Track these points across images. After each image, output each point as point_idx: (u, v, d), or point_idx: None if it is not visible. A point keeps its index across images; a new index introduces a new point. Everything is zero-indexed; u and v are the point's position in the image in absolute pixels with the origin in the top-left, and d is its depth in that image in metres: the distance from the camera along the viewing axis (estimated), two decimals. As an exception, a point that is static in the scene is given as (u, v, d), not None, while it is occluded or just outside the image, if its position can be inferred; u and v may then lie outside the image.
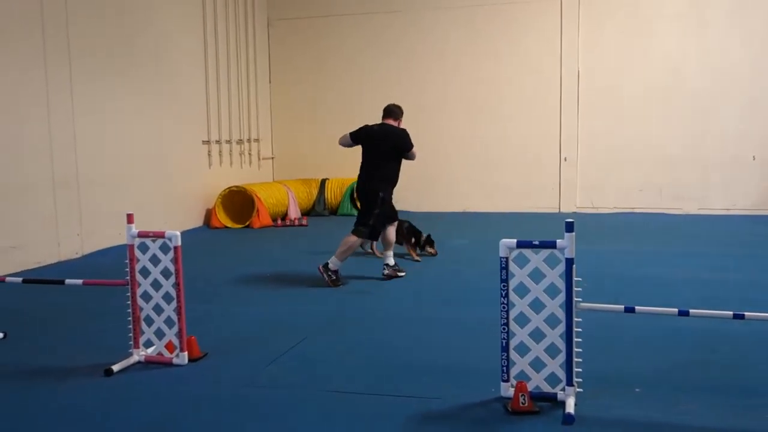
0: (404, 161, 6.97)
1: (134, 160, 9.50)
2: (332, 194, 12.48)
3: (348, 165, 12.96)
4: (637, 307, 3.74)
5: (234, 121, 12.06)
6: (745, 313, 3.60)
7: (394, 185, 7.00)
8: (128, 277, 4.42)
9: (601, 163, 11.98)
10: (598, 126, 11.93)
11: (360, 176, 6.96)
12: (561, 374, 3.71)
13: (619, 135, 11.86)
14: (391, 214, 7.06)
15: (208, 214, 11.27)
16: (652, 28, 11.65)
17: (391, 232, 7.11)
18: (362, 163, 6.97)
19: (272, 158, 13.48)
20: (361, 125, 7.08)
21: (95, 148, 8.71)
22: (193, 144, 11.04)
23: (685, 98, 11.55)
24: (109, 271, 6.00)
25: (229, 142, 11.91)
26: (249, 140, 12.55)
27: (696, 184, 11.63)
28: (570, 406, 3.58)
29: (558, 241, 3.64)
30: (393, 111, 7.07)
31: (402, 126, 7.05)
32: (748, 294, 6.01)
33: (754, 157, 11.37)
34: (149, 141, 9.85)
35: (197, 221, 11.14)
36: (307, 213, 12.31)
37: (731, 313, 3.61)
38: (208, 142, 11.35)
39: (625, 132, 11.84)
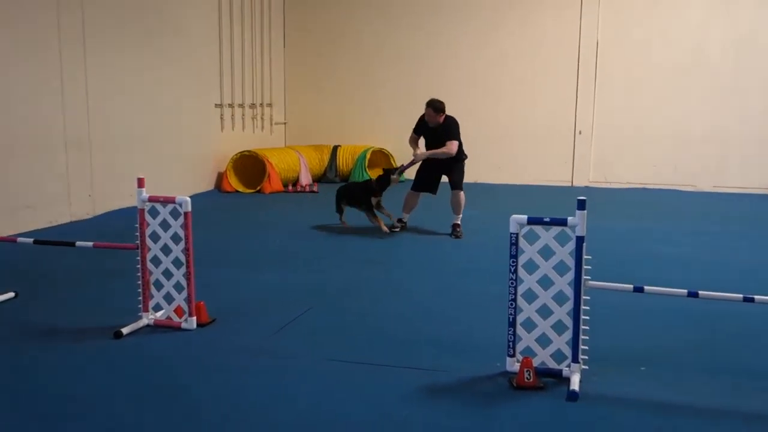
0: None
1: (146, 122, 9.48)
2: (344, 161, 12.43)
3: (360, 132, 12.93)
4: (646, 287, 3.72)
5: (247, 85, 11.99)
6: (755, 297, 3.57)
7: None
8: (138, 241, 4.44)
9: (615, 137, 11.84)
10: (615, 100, 11.76)
11: None
12: (567, 351, 3.71)
13: (635, 109, 11.70)
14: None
15: (220, 178, 11.28)
16: (676, 1, 11.41)
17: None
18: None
19: (284, 123, 13.42)
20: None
21: (107, 109, 8.69)
22: (205, 107, 11.00)
23: (705, 74, 11.35)
24: (120, 234, 6.03)
25: (241, 106, 11.86)
26: (262, 105, 12.49)
27: (712, 161, 11.49)
28: (575, 383, 3.59)
29: (569, 218, 3.62)
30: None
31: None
32: (760, 275, 5.97)
33: (772, 135, 11.22)
34: (162, 102, 9.81)
35: (208, 185, 11.16)
36: (318, 179, 12.29)
37: (741, 296, 3.59)
38: (220, 106, 11.31)
39: (641, 106, 11.68)
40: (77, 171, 8.24)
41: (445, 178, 7.73)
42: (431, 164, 7.66)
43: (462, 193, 7.61)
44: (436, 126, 7.51)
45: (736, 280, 5.71)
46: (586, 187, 11.81)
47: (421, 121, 7.63)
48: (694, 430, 3.21)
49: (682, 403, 3.47)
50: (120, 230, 6.87)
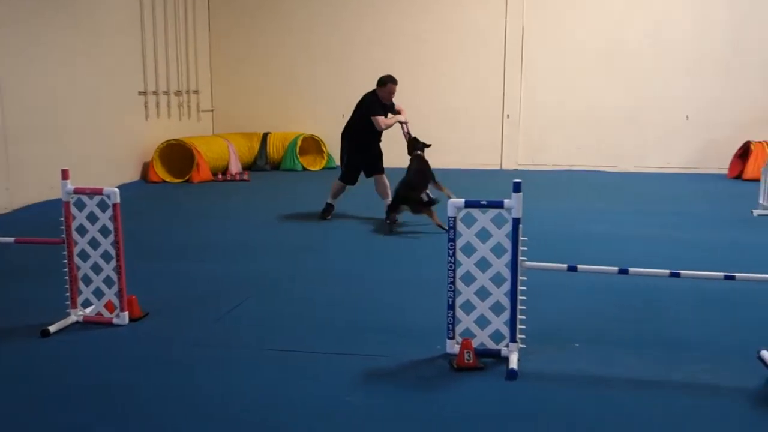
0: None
1: (66, 110, 9.07)
2: (274, 148, 12.27)
3: (291, 119, 12.77)
4: (579, 266, 3.82)
5: (172, 72, 11.64)
6: (681, 272, 3.72)
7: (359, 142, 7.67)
8: (64, 236, 4.25)
9: (542, 120, 12.13)
10: (540, 84, 12.04)
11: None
12: (505, 331, 3.78)
13: (560, 93, 12.01)
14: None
15: (146, 168, 10.93)
16: (596, -13, 11.76)
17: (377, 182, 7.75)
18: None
19: (212, 111, 13.12)
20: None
21: (23, 96, 8.26)
22: (128, 95, 10.61)
23: (624, 58, 11.76)
24: (41, 228, 5.77)
25: (166, 93, 11.51)
26: (188, 92, 12.16)
27: (632, 142, 11.93)
28: (513, 362, 3.67)
29: (505, 201, 3.67)
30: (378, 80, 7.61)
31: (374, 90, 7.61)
32: (683, 251, 6.24)
33: (687, 116, 11.72)
34: (82, 90, 9.41)
35: (134, 175, 10.80)
36: (248, 167, 12.09)
37: (668, 271, 3.73)
38: (144, 93, 10.94)
39: (566, 91, 11.99)
40: (-8, 163, 7.83)
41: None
42: (359, 152, 7.67)
43: (384, 176, 7.71)
44: (390, 102, 7.64)
45: (662, 255, 5.95)
46: (515, 170, 12.05)
47: (378, 101, 7.55)
48: (629, 401, 3.33)
49: (616, 377, 3.59)
50: (42, 224, 6.60)
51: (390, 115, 7.67)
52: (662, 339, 4.13)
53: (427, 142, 7.70)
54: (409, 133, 7.73)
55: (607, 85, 11.87)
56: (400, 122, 7.66)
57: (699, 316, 4.54)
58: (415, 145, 7.61)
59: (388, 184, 7.69)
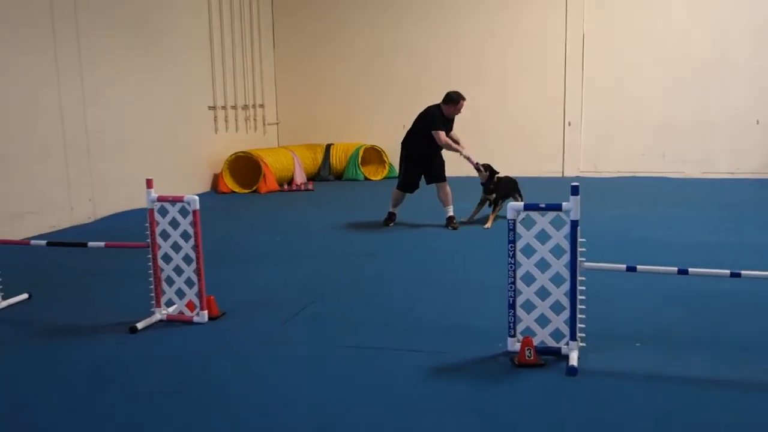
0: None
1: (142, 126, 9.61)
2: (337, 159, 12.59)
3: (352, 130, 13.09)
4: (638, 266, 3.90)
5: (239, 87, 12.13)
6: (742, 272, 3.74)
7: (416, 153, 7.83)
8: (149, 240, 4.59)
9: (604, 127, 12.05)
10: (602, 90, 11.97)
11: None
12: (565, 330, 3.89)
13: (622, 99, 11.91)
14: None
15: (215, 180, 11.41)
16: (658, -8, 11.65)
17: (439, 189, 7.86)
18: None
19: (277, 124, 13.56)
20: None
21: (104, 114, 8.82)
22: (199, 109, 11.13)
23: (690, 62, 11.58)
24: (122, 235, 6.16)
25: (234, 107, 11.99)
26: (254, 106, 12.63)
27: (699, 148, 11.72)
28: (573, 359, 3.77)
29: (563, 203, 3.79)
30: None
31: (439, 104, 7.70)
32: (748, 256, 6.15)
33: (757, 121, 11.44)
34: (156, 106, 9.95)
35: (205, 186, 11.30)
36: (312, 178, 12.45)
37: (728, 271, 3.76)
38: (213, 108, 11.44)
39: (628, 96, 11.89)
40: (77, 176, 8.37)
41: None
42: (418, 163, 7.82)
43: (447, 184, 7.82)
44: (453, 117, 7.78)
45: (725, 261, 5.88)
46: (577, 177, 11.99)
47: (441, 116, 7.66)
48: (687, 398, 3.39)
49: (676, 375, 3.65)
50: (123, 232, 7.03)
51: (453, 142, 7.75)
52: (723, 339, 4.15)
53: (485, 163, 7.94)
54: (478, 163, 7.78)
55: (670, 90, 11.71)
56: (464, 156, 7.70)
57: (760, 318, 4.52)
58: (494, 170, 7.90)
59: (450, 192, 7.81)
